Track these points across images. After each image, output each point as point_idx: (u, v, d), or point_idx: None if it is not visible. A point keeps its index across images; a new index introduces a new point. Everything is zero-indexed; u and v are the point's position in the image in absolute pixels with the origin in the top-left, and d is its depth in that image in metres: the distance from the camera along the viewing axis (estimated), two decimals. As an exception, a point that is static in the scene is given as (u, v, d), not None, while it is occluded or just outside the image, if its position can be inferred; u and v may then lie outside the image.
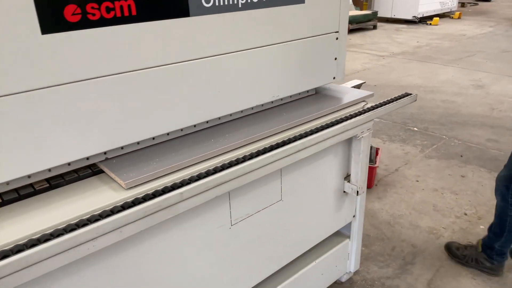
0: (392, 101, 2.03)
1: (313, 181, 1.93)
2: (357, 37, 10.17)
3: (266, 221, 1.77)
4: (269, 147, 1.54)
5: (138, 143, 1.48)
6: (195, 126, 1.63)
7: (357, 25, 10.88)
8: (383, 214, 3.09)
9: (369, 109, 1.91)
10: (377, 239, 2.81)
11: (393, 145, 4.27)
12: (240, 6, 1.55)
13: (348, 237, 2.31)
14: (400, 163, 3.88)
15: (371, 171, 3.37)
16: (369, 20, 11.18)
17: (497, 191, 2.34)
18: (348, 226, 2.29)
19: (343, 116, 1.82)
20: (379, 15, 11.90)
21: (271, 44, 1.71)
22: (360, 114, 1.85)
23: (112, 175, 1.31)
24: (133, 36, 1.28)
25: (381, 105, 1.97)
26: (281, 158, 1.56)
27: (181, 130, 1.59)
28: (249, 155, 1.48)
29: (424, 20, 11.90)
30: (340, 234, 2.34)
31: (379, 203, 3.24)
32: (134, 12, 1.29)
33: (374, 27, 11.27)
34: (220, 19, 1.50)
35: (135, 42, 1.29)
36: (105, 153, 1.39)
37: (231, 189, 1.46)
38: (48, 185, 1.26)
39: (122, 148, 1.44)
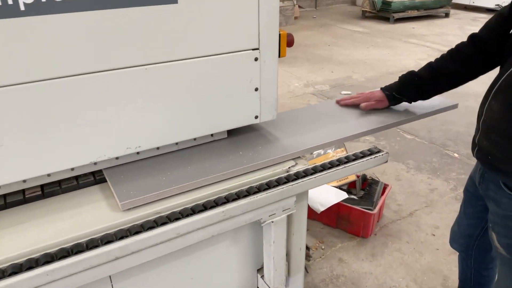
0: (338, 165, 1.27)
1: (191, 278, 1.27)
2: (422, 26, 8.86)
3: None
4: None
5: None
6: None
7: (425, 12, 9.50)
8: (369, 282, 2.32)
9: (285, 180, 1.18)
10: (347, 322, 2.08)
11: (419, 175, 3.38)
12: (23, 9, 0.90)
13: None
14: (419, 204, 3.01)
15: (368, 218, 2.58)
16: (441, 7, 9.73)
17: None
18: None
19: (226, 193, 1.12)
20: (456, 1, 10.34)
21: (105, 70, 1.05)
22: (262, 190, 1.14)
23: (112, 189, 1.11)
24: None
25: (313, 172, 1.23)
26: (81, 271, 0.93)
27: None
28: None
29: (510, 9, 10.13)
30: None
31: (370, 263, 2.46)
32: None
33: (446, 15, 9.79)
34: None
35: None
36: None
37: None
38: (40, 192, 1.12)
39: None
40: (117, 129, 1.11)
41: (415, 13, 9.35)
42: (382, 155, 1.33)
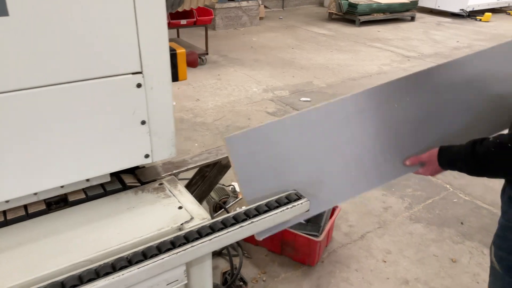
0: (244, 221, 1.01)
1: None
2: (387, 30, 8.79)
3: None
4: None
5: None
6: None
7: (391, 15, 9.44)
8: (311, 320, 2.10)
9: (170, 247, 0.91)
10: None
11: (374, 192, 3.19)
12: None
13: None
14: (371, 225, 2.82)
15: (313, 246, 2.36)
16: (407, 10, 9.70)
17: None
18: None
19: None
20: (422, 5, 10.37)
21: None
22: (134, 264, 0.87)
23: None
24: None
25: (211, 231, 0.97)
26: None
27: None
28: None
29: (473, 14, 10.22)
30: None
31: (315, 297, 2.24)
32: None
33: (412, 19, 9.78)
34: None
35: None
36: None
37: None
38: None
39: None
40: None
41: (381, 16, 9.29)
42: (302, 203, 1.09)
